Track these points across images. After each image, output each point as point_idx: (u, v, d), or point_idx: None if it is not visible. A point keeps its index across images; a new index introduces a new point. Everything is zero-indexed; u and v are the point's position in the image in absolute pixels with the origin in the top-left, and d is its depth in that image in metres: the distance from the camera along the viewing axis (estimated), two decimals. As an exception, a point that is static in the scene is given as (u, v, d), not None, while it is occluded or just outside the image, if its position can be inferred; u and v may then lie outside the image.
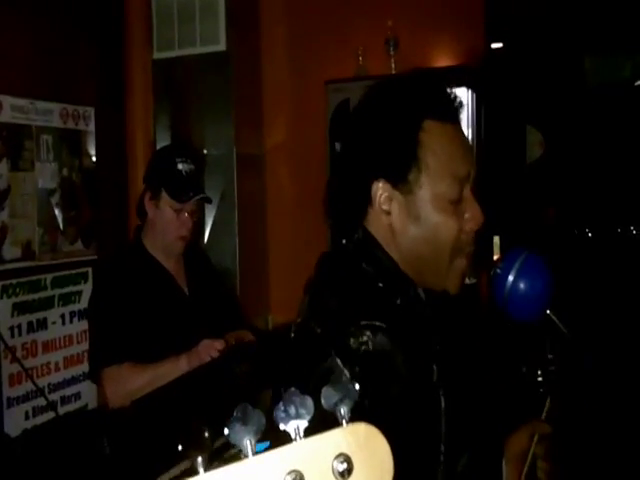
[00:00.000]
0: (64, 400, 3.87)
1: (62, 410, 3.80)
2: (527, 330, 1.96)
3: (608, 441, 4.53)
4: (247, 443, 0.58)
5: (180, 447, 0.57)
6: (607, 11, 6.19)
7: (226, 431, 0.58)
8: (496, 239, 4.47)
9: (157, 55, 4.60)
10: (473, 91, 4.09)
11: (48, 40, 3.90)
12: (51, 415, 3.60)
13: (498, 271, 1.84)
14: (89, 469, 3.12)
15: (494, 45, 4.45)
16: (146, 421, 2.74)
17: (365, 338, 1.36)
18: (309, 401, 0.60)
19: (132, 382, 2.79)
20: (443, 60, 4.40)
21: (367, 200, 1.54)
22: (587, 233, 8.22)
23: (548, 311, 1.85)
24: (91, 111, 4.15)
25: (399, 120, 1.53)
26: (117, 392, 2.81)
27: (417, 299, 1.56)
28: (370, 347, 1.36)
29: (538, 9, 5.55)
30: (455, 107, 1.58)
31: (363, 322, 1.38)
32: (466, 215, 1.53)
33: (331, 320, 1.44)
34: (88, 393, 3.95)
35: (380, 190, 1.51)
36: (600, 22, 6.25)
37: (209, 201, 3.26)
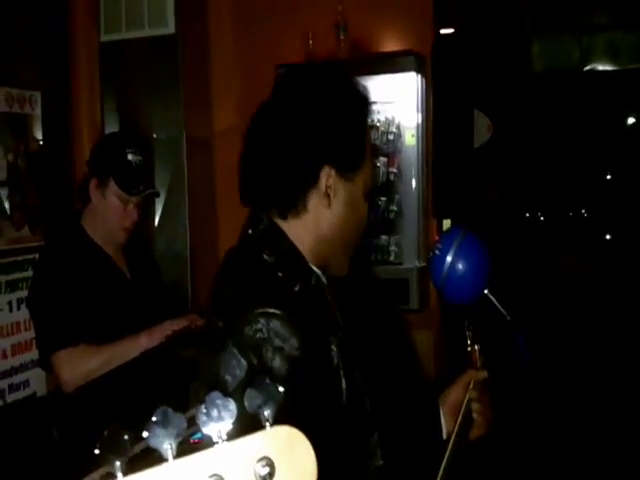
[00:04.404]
0: (12, 388, 3.81)
1: (10, 398, 3.75)
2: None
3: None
4: (167, 447, 0.57)
5: (97, 451, 0.56)
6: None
7: (145, 434, 0.57)
8: (446, 222, 4.51)
9: (104, 38, 4.52)
10: (422, 76, 4.10)
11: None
12: (-1, 403, 3.57)
13: (437, 252, 1.85)
14: (38, 457, 3.10)
15: (443, 31, 4.46)
16: (94, 408, 2.72)
17: (260, 325, 1.40)
18: (232, 404, 0.60)
19: (89, 362, 2.77)
20: (392, 45, 4.41)
21: (313, 182, 1.56)
22: (539, 216, 8.29)
23: (486, 291, 1.87)
24: (37, 95, 4.07)
25: (353, 110, 1.58)
26: (74, 373, 2.77)
27: (318, 286, 1.60)
28: (265, 334, 1.39)
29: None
30: None
31: (258, 310, 1.41)
32: None
33: (229, 312, 1.48)
34: (37, 381, 3.90)
35: (328, 176, 1.55)
36: (549, 8, 6.28)
37: (157, 195, 3.26)
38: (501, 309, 1.92)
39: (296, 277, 1.53)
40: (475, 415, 1.84)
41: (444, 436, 1.84)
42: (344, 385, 1.49)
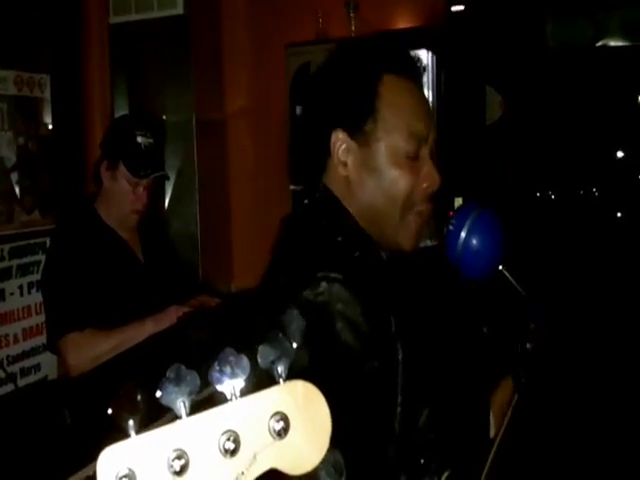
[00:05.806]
0: (23, 372, 3.82)
1: (22, 382, 3.76)
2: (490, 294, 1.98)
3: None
4: (180, 404, 0.56)
5: (110, 410, 0.54)
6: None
7: (158, 393, 0.56)
8: (458, 200, 4.48)
9: (114, 19, 4.51)
10: (433, 53, 4.06)
11: (1, 5, 3.80)
12: (10, 387, 3.56)
13: (451, 228, 1.85)
14: (50, 440, 3.09)
15: (454, 8, 4.42)
16: (105, 390, 2.71)
17: (321, 289, 1.39)
18: (244, 360, 0.58)
19: (96, 347, 2.77)
20: (403, 22, 4.37)
21: (326, 152, 1.56)
22: (549, 195, 8.25)
23: (501, 267, 1.86)
24: (47, 78, 4.06)
25: (359, 71, 1.56)
26: (80, 359, 2.77)
27: (376, 254, 1.58)
28: (326, 297, 1.38)
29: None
30: (417, 68, 1.62)
31: (320, 274, 1.40)
32: (422, 174, 1.55)
33: (289, 274, 1.47)
34: (48, 364, 3.90)
35: (339, 141, 1.54)
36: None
37: (167, 178, 3.26)
38: (516, 285, 1.91)
39: (355, 243, 1.52)
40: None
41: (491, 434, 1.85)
42: (401, 355, 1.47)
